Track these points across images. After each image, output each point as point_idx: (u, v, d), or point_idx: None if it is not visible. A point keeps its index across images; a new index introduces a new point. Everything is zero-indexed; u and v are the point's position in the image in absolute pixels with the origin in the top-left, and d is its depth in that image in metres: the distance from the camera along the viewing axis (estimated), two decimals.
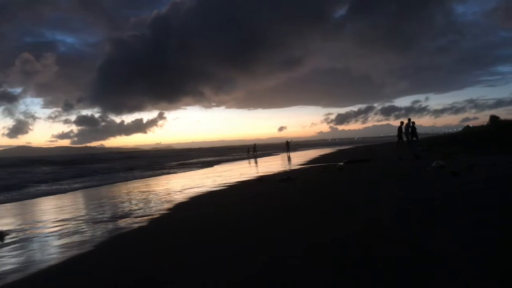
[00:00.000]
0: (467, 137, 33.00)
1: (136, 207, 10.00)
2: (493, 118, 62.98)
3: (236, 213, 7.78)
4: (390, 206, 6.77)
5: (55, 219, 9.03)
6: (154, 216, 8.31)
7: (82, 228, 7.53)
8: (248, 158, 45.90)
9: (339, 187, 10.55)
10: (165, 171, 27.80)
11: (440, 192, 7.74)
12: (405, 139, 26.15)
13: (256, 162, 33.69)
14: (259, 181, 14.35)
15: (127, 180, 20.73)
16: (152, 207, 9.83)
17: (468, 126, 74.53)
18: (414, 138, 25.97)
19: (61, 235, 7.03)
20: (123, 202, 11.42)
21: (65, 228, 7.68)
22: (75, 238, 6.73)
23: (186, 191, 13.14)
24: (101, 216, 9.01)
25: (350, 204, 7.47)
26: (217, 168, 28.82)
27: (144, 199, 11.73)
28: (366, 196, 8.18)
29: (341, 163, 20.84)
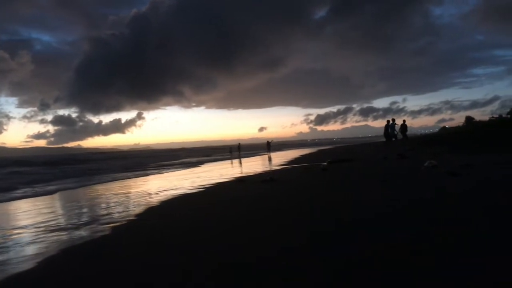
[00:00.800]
0: (447, 137, 33.15)
1: (105, 212, 9.04)
2: (469, 119, 64.39)
3: (212, 219, 6.94)
4: (384, 207, 6.11)
5: (12, 226, 8.01)
6: (121, 223, 7.36)
7: (37, 238, 6.53)
8: (231, 158, 44.95)
9: (325, 188, 9.85)
10: (143, 172, 26.62)
11: (444, 192, 7.14)
12: (400, 137, 25.80)
13: (238, 163, 32.86)
14: (240, 182, 13.53)
15: (102, 182, 19.58)
16: (122, 211, 8.89)
17: (444, 127, 75.70)
18: (394, 139, 25.62)
19: (8, 248, 6.03)
20: (93, 206, 10.43)
21: (18, 238, 6.69)
22: (23, 251, 5.72)
23: (162, 193, 12.20)
24: (65, 222, 8.03)
25: (339, 206, 6.76)
26: (196, 169, 27.83)
27: (116, 202, 10.76)
28: (356, 198, 7.50)
29: (325, 163, 20.28)
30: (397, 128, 24.51)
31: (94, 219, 8.11)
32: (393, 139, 26.52)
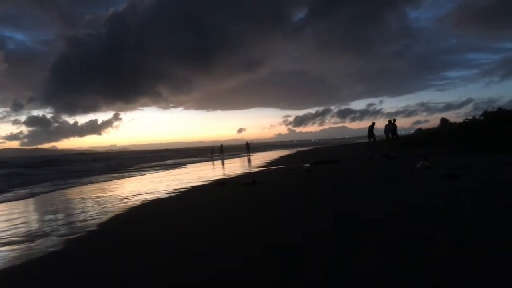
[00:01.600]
0: (428, 138, 33.02)
1: (68, 220, 7.96)
2: (444, 121, 65.41)
3: (180, 231, 6.01)
4: (385, 216, 5.29)
5: None
6: (80, 235, 6.31)
7: None
8: (212, 159, 43.79)
9: (313, 191, 9.01)
10: (120, 174, 25.25)
11: (452, 196, 6.38)
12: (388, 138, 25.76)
13: (220, 164, 31.80)
14: (220, 185, 12.56)
15: (76, 185, 18.23)
16: (87, 220, 7.79)
17: (420, 129, 76.96)
18: (395, 136, 25.42)
19: None
20: (57, 213, 9.26)
21: None
22: None
23: (134, 198, 11.09)
24: (15, 234, 6.92)
25: (328, 218, 5.91)
26: (175, 171, 26.64)
27: (83, 208, 9.65)
28: (350, 204, 6.68)
29: (307, 165, 19.54)
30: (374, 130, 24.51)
31: (54, 229, 7.04)
32: (372, 139, 26.65)
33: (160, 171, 27.22)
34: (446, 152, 17.74)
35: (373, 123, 27.33)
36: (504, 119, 21.47)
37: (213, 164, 32.38)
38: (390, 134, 25.32)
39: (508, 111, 23.71)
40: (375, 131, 26.92)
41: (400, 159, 15.42)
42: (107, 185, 17.53)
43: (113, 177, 22.85)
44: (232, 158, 45.47)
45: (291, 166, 19.14)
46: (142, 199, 10.76)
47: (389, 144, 26.04)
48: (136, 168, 32.74)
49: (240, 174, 17.90)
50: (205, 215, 7.23)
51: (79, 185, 17.84)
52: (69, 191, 15.46)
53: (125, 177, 22.16)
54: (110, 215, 8.23)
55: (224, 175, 18.19)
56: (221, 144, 49.69)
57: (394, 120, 25.16)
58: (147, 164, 40.16)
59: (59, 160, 63.23)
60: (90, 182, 19.48)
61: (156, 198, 10.83)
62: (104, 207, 9.63)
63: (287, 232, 5.14)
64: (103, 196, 12.39)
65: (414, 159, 14.37)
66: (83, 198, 12.18)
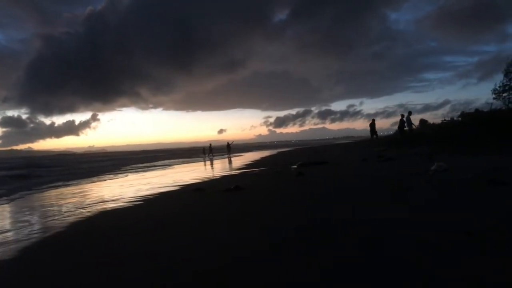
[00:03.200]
0: (417, 137, 31.74)
1: (5, 235, 6.06)
2: (423, 122, 65.57)
3: (133, 261, 4.13)
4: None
5: None
6: (7, 257, 4.50)
7: None
8: (204, 160, 41.93)
9: (317, 202, 7.23)
10: (89, 179, 22.96)
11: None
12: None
13: (203, 165, 29.76)
14: (196, 191, 10.60)
15: (37, 191, 16.01)
16: (22, 237, 5.91)
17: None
18: (412, 129, 23.66)
19: None
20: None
21: None
22: None
23: (90, 208, 9.03)
24: None
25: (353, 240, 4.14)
26: (150, 173, 24.51)
27: (29, 221, 7.70)
28: (375, 227, 4.92)
29: (295, 166, 17.84)
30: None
31: None
32: (374, 136, 26.13)
33: (136, 173, 25.03)
34: (448, 151, 16.26)
35: (374, 120, 27.07)
36: (484, 120, 20.84)
37: (194, 165, 30.32)
38: (400, 129, 23.91)
39: (485, 112, 23.53)
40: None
41: (401, 160, 13.83)
42: (72, 189, 15.36)
43: (81, 182, 20.55)
44: (215, 159, 43.43)
45: (277, 168, 17.37)
46: (99, 209, 8.76)
47: (374, 144, 25.22)
48: (116, 170, 30.39)
49: (221, 176, 16.03)
50: (162, 236, 5.34)
51: (39, 192, 15.59)
52: (23, 200, 13.27)
53: (95, 182, 19.92)
54: (47, 234, 6.25)
55: (202, 178, 16.27)
56: (210, 144, 47.45)
57: (410, 113, 23.39)
58: (126, 167, 37.68)
59: (33, 163, 59.88)
60: (57, 187, 17.27)
61: (114, 208, 8.86)
62: (48, 221, 7.62)
63: (293, 270, 3.33)
64: (59, 204, 10.35)
65: (415, 160, 12.84)
66: (31, 209, 10.11)
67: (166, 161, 46.03)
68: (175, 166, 32.94)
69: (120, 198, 10.66)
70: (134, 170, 28.46)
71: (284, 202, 7.42)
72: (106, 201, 10.34)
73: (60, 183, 19.26)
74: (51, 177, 25.94)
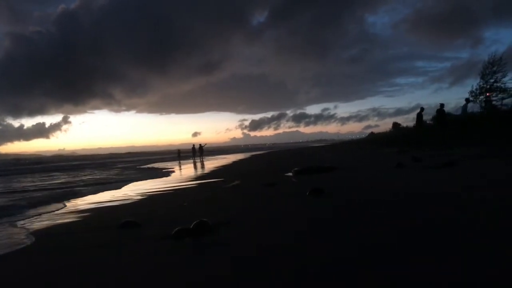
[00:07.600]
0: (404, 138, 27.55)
1: None
2: (395, 125, 63.18)
3: None
4: None
5: None
6: None
7: None
8: (193, 161, 38.59)
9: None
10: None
11: None
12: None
13: (175, 168, 24.19)
14: (124, 233, 5.22)
15: None
16: None
17: (372, 133, 76.55)
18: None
19: None
20: None
21: None
22: None
23: None
24: None
25: None
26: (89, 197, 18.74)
27: None
28: None
29: (290, 174, 12.76)
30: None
31: None
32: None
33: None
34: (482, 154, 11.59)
35: (422, 108, 21.02)
36: (460, 122, 19.99)
37: (153, 171, 24.67)
38: (441, 123, 18.75)
39: (455, 115, 24.94)
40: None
41: (463, 167, 8.90)
42: None
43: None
44: (181, 163, 37.78)
45: (266, 178, 12.01)
46: None
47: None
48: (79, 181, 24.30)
49: (183, 194, 10.67)
50: None
51: None
52: None
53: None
54: None
55: (149, 197, 10.86)
56: (200, 144, 41.37)
57: (442, 105, 18.76)
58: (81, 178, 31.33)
59: None
60: None
61: None
62: None
63: None
64: None
65: (489, 166, 7.95)
66: None
67: (137, 163, 39.83)
68: (143, 167, 26.99)
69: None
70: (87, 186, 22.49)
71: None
72: None
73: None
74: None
